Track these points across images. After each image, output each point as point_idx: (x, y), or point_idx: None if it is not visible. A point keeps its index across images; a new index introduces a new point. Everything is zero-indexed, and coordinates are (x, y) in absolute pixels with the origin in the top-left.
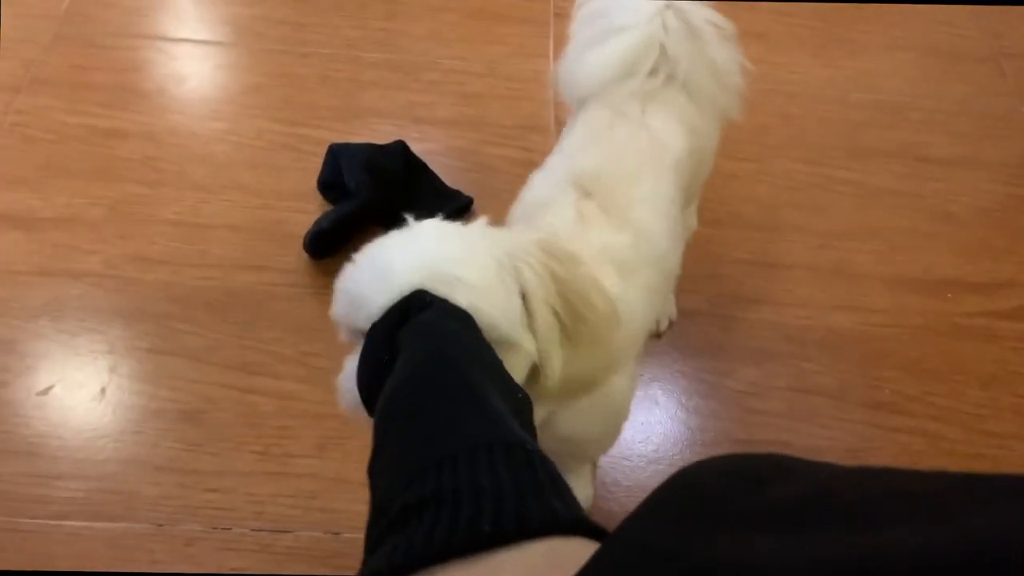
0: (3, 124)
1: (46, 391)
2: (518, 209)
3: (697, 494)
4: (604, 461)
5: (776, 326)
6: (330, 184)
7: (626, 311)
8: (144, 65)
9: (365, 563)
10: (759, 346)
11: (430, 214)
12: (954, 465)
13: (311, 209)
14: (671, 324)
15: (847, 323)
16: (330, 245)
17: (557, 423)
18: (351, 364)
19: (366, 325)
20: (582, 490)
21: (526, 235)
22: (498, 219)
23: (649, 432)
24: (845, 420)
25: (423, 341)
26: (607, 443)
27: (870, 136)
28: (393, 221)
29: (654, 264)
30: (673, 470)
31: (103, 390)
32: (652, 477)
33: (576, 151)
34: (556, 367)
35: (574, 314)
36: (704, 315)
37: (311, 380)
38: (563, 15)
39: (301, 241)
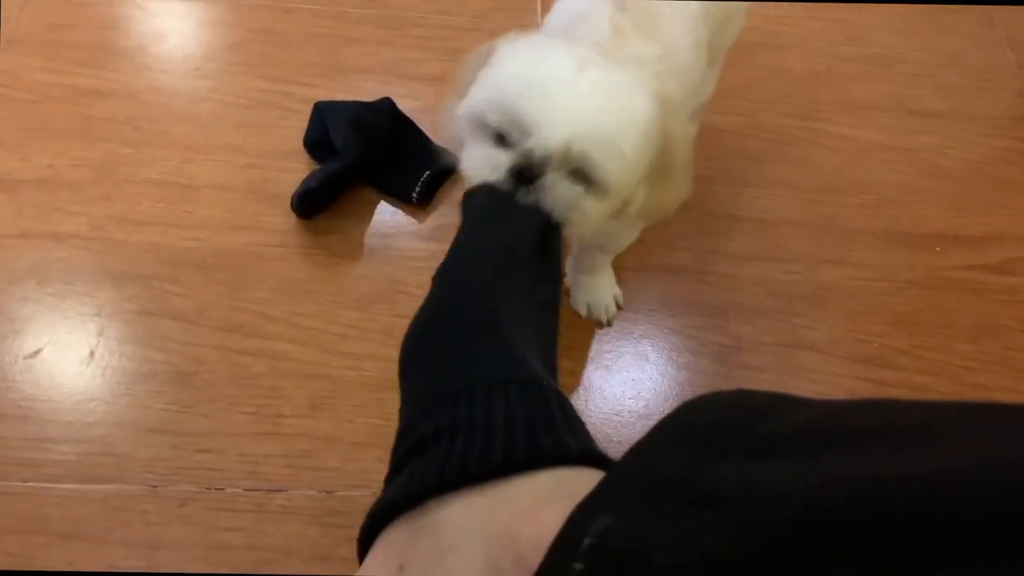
0: None
1: (34, 354)
2: (554, 18)
3: (702, 423)
4: (596, 417)
5: (765, 281)
6: (316, 142)
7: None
8: (122, 22)
9: (386, 486)
10: (748, 302)
11: (417, 173)
12: None
13: (298, 168)
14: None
15: (836, 278)
16: (318, 204)
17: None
18: (475, 158)
19: (514, 135)
20: (611, 287)
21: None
22: None
23: (640, 388)
24: (834, 375)
25: (458, 271)
26: (638, 229)
27: (860, 89)
28: (381, 178)
29: (678, 76)
30: None
31: (92, 353)
32: (643, 432)
33: None
34: (639, 202)
35: (668, 160)
36: (693, 271)
37: (301, 340)
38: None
39: (288, 201)
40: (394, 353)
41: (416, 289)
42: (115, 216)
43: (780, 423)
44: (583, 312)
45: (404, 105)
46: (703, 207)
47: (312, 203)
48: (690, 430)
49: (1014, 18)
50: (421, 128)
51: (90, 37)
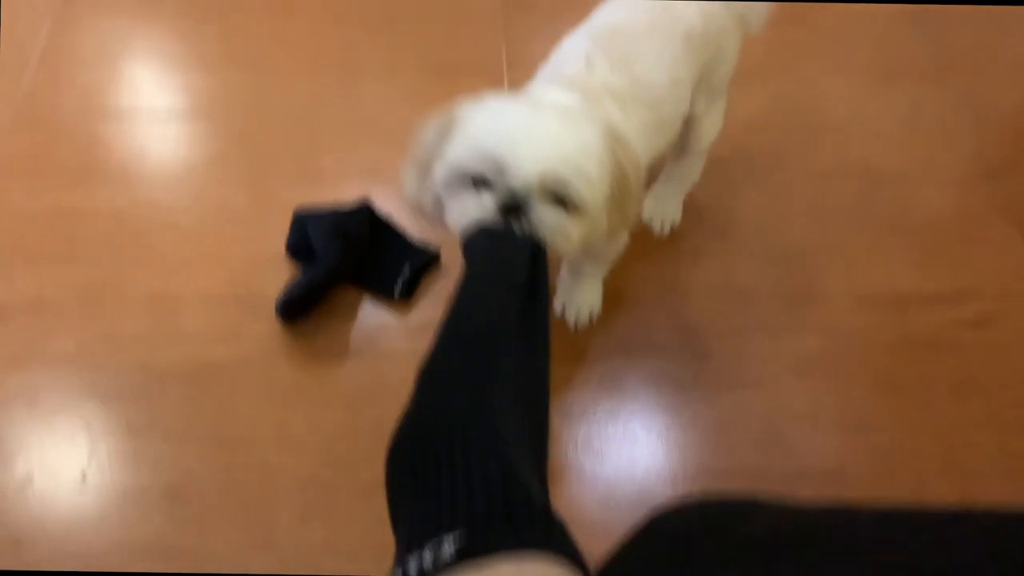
0: None
1: (26, 480)
2: (546, 67)
3: (672, 534)
4: (590, 505)
5: (747, 353)
6: (298, 248)
7: (624, 134)
8: (105, 141)
9: None
10: (732, 374)
11: (397, 270)
12: (932, 480)
13: (280, 274)
14: (672, 228)
15: (815, 344)
16: (301, 309)
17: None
18: (462, 206)
19: (494, 177)
20: (591, 296)
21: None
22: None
23: (632, 471)
24: (821, 442)
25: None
26: (619, 251)
27: (823, 155)
28: (362, 278)
29: (649, 106)
30: None
31: (83, 474)
32: (637, 516)
33: (597, 13)
34: (604, 224)
35: (623, 186)
36: (677, 348)
37: (291, 448)
38: (516, 64)
39: (273, 306)
40: (384, 454)
41: (403, 385)
42: (102, 335)
43: (748, 529)
44: (557, 310)
45: (383, 204)
46: (680, 280)
47: (295, 309)
48: (661, 542)
49: (966, 80)
50: (399, 226)
51: (72, 159)
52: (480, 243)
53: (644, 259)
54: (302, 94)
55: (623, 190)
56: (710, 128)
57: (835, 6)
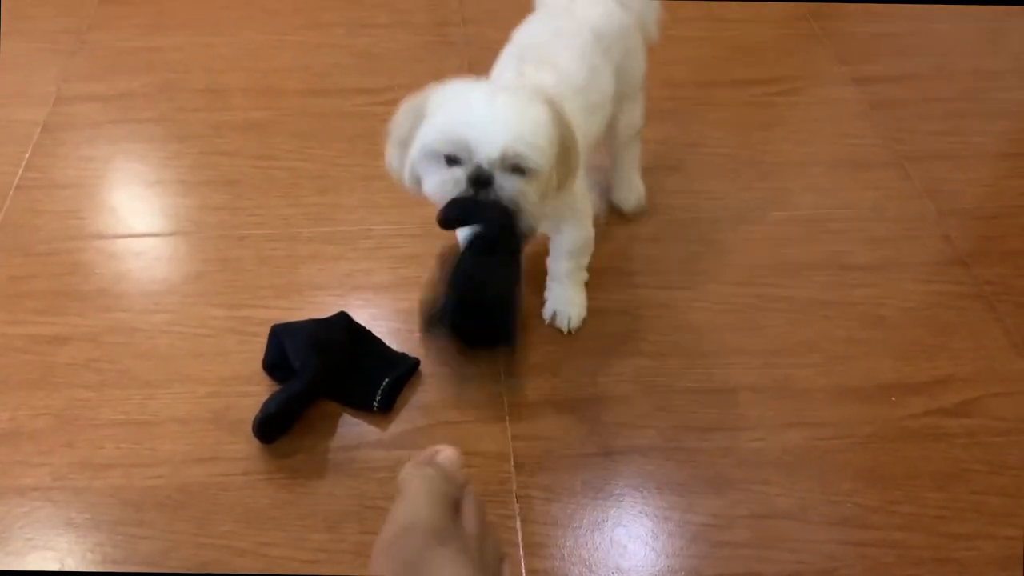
0: None
1: None
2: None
3: None
4: None
5: (731, 452)
6: (276, 364)
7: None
8: (81, 267)
9: None
10: (717, 475)
11: (376, 381)
12: (925, 574)
13: (258, 392)
14: (639, 205)
15: (799, 440)
16: (279, 427)
17: (554, 224)
18: (438, 180)
19: (463, 156)
20: (577, 299)
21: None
22: (444, 372)
23: None
24: (811, 541)
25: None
26: (589, 244)
27: (794, 251)
28: (341, 391)
29: (576, 92)
30: None
31: None
32: None
33: (515, 36)
34: (555, 181)
35: (566, 146)
36: (659, 450)
37: (270, 572)
38: None
39: (250, 426)
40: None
41: (383, 501)
42: (78, 463)
43: None
44: (547, 318)
45: (359, 315)
46: (660, 383)
47: (273, 427)
48: None
49: (927, 169)
50: (377, 336)
51: (50, 285)
52: (454, 210)
53: (622, 359)
54: (278, 210)
55: (566, 149)
56: (628, 126)
57: (795, 102)
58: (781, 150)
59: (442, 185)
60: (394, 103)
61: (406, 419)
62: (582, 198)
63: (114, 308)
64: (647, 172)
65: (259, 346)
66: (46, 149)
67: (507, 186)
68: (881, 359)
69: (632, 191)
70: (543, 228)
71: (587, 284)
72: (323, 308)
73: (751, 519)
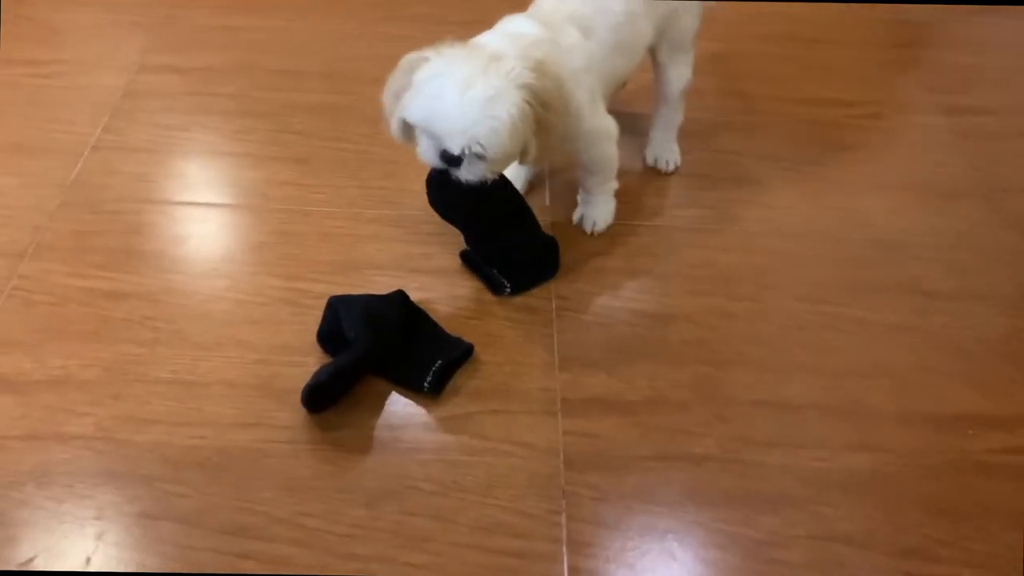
0: (4, 289)
1: (27, 562)
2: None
3: None
4: None
5: (792, 469)
6: (329, 336)
7: (589, 56)
8: (146, 228)
9: None
10: (776, 491)
11: (429, 363)
12: None
13: (309, 363)
14: (676, 168)
15: (866, 464)
16: (328, 398)
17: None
18: (423, 146)
19: (444, 141)
20: (606, 211)
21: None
22: (498, 360)
23: None
24: (874, 570)
25: None
26: (610, 162)
27: (871, 273)
28: (392, 369)
29: (609, 29)
30: None
31: (88, 559)
32: None
33: None
34: (533, 150)
35: (544, 118)
36: (716, 460)
37: (305, 542)
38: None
39: (298, 396)
40: (402, 554)
41: (426, 484)
42: (122, 416)
43: None
44: (575, 220)
45: (417, 298)
46: (722, 392)
47: (322, 397)
48: None
49: (1018, 203)
50: (434, 319)
51: (114, 242)
52: (434, 178)
53: (683, 365)
54: (344, 191)
55: (544, 121)
56: (676, 79)
57: (880, 126)
58: (863, 171)
59: (424, 151)
60: None
61: (455, 404)
62: (594, 127)
63: (173, 270)
64: (721, 182)
65: (313, 319)
66: (125, 114)
67: (472, 169)
68: (958, 389)
69: (668, 153)
70: (570, 149)
71: (619, 209)
72: (380, 287)
73: (810, 540)
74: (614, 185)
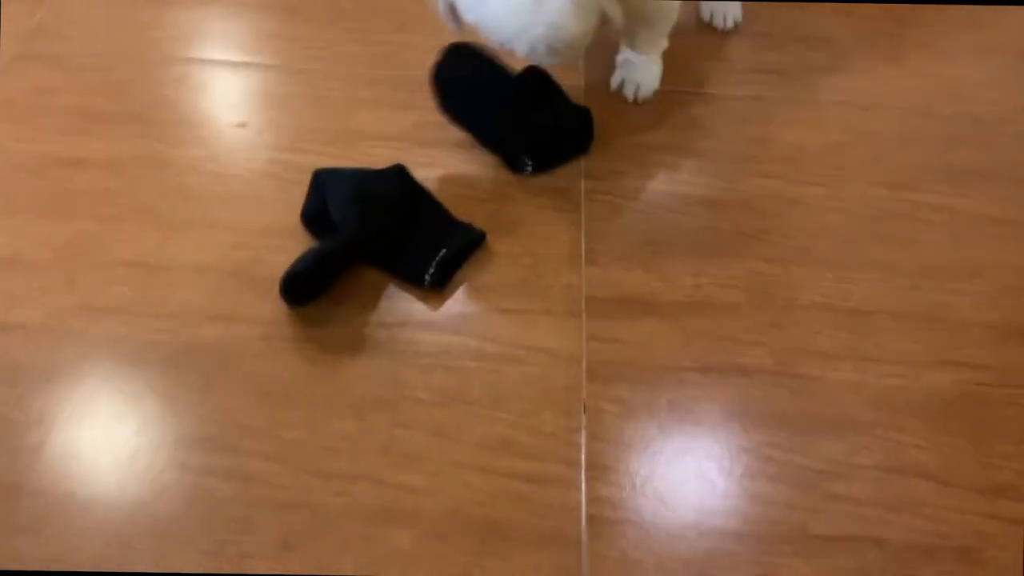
0: None
1: None
2: None
3: None
4: (647, 560)
5: (860, 387)
6: (316, 216)
7: None
8: (113, 86)
9: None
10: (839, 413)
11: (432, 251)
12: None
13: (292, 248)
14: (736, 25)
15: (949, 383)
16: (309, 289)
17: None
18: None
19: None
20: (653, 74)
21: None
22: (514, 251)
23: (700, 526)
24: (954, 509)
25: None
26: (672, 11)
27: (963, 155)
28: (388, 258)
29: None
30: None
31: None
32: None
33: None
34: (616, 12)
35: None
36: (769, 374)
37: (280, 457)
38: None
39: (278, 286)
40: (393, 474)
41: (424, 393)
42: (76, 304)
43: None
44: (615, 85)
45: (421, 174)
46: (779, 295)
47: (302, 288)
48: None
49: None
50: (439, 200)
51: (76, 102)
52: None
53: (734, 260)
54: (342, 46)
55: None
56: None
57: None
58: (955, 31)
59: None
60: None
61: (461, 300)
62: None
63: (143, 135)
64: (788, 42)
65: (300, 195)
66: None
67: (550, 58)
68: None
69: (727, 7)
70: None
71: (665, 73)
72: (380, 160)
73: (877, 471)
74: (664, 44)
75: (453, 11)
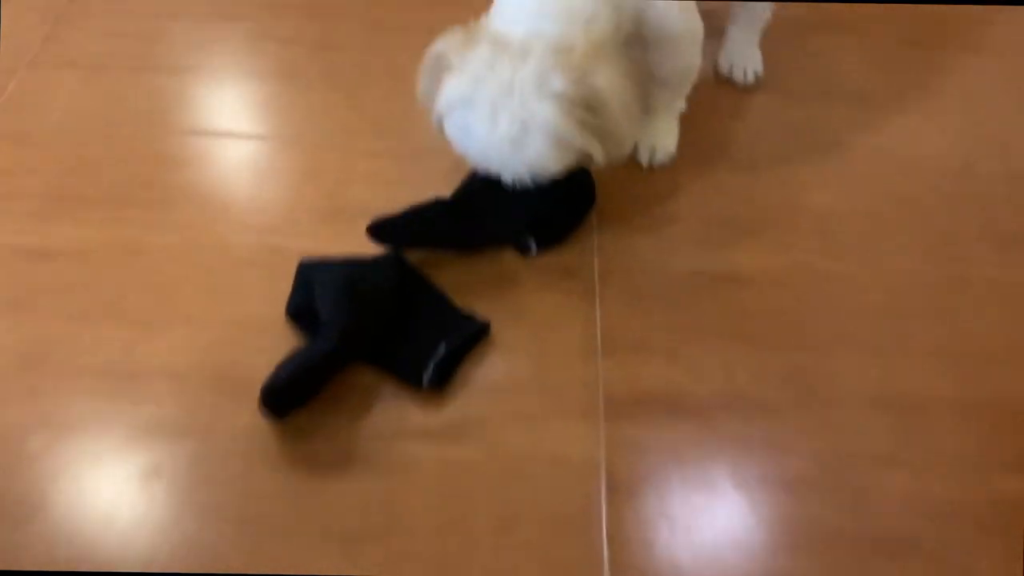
0: None
1: None
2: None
3: None
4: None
5: (918, 499)
6: (302, 311)
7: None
8: (88, 165)
9: None
10: (897, 532)
11: (430, 347)
12: None
13: (276, 346)
14: (757, 79)
15: (1018, 488)
16: (293, 401)
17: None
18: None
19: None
20: (669, 137)
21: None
22: (522, 341)
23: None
24: None
25: None
26: (691, 72)
27: (1013, 219)
28: (382, 354)
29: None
30: None
31: None
32: None
33: None
34: (598, 154)
35: (603, 123)
36: (815, 487)
37: None
38: None
39: (261, 391)
40: None
41: (424, 513)
42: (37, 419)
43: None
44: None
45: (417, 256)
46: (822, 388)
47: (284, 401)
48: None
49: None
50: (439, 288)
51: (46, 184)
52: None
53: (767, 346)
54: (336, 112)
55: (597, 128)
56: None
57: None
58: (1000, 80)
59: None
60: None
61: (464, 403)
62: (688, 28)
63: (115, 220)
64: (814, 97)
65: (286, 286)
66: (72, 21)
67: (530, 188)
68: None
69: (748, 59)
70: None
71: (682, 134)
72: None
73: None
74: (682, 105)
75: (441, 125)
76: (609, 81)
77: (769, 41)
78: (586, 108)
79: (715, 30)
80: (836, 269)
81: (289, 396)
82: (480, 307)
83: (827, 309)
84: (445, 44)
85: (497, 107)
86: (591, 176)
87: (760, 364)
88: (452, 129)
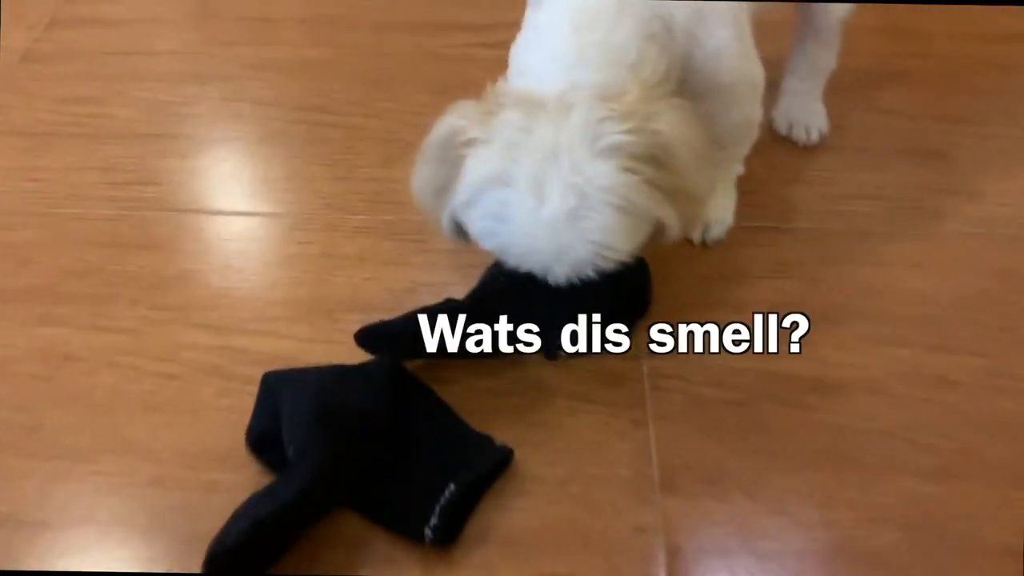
0: None
1: None
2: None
3: None
4: None
5: None
6: (265, 438)
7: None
8: (19, 251)
9: None
10: None
11: (435, 487)
12: None
13: (234, 484)
14: (821, 138)
15: None
16: (249, 566)
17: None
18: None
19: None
20: (725, 207)
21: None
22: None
23: None
24: None
25: None
26: (751, 129)
27: None
28: (370, 499)
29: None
30: None
31: None
32: None
33: None
34: (672, 220)
35: (675, 184)
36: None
37: None
38: None
39: (205, 555)
40: None
41: None
42: None
43: None
44: None
45: (417, 365)
46: (951, 530)
47: (236, 568)
48: None
49: None
50: (446, 403)
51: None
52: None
53: (877, 476)
54: (321, 186)
55: (667, 184)
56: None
57: None
58: None
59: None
60: (501, 46)
61: (481, 562)
62: (745, 75)
63: (43, 320)
64: (890, 157)
65: (248, 403)
66: (19, 85)
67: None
68: None
69: (811, 116)
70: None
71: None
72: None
73: None
74: (740, 169)
75: (460, 230)
76: (674, 126)
77: (832, 96)
78: (651, 161)
79: (770, 83)
80: (947, 367)
81: (243, 561)
82: (499, 428)
83: (945, 422)
84: (458, 118)
85: (542, 178)
86: (647, 270)
87: (867, 498)
88: (481, 221)
